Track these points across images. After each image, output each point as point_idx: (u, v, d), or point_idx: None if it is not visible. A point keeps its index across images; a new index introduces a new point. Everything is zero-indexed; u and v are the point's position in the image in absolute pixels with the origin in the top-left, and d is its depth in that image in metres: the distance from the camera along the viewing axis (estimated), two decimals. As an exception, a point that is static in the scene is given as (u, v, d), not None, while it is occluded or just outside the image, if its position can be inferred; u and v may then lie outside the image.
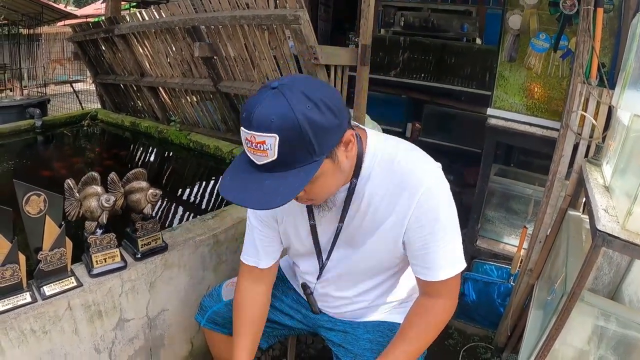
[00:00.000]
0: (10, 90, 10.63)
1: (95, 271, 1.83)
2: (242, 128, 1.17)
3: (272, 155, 1.14)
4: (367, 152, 1.41)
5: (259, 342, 1.75)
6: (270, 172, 1.18)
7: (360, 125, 1.48)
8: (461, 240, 1.46)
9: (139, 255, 1.96)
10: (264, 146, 1.13)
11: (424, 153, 1.46)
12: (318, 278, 1.70)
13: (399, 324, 1.62)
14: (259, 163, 1.17)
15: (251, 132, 1.14)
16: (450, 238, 1.41)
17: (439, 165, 1.44)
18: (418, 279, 1.49)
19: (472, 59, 4.93)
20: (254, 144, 1.14)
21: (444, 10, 5.62)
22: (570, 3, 2.57)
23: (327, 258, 1.63)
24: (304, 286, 1.77)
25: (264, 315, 1.76)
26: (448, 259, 1.42)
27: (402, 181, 1.38)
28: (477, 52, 4.92)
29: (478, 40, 5.43)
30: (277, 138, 1.12)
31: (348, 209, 1.48)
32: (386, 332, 1.68)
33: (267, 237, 1.66)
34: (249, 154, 1.18)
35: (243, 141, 1.18)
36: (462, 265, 1.45)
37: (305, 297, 1.79)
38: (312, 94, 1.15)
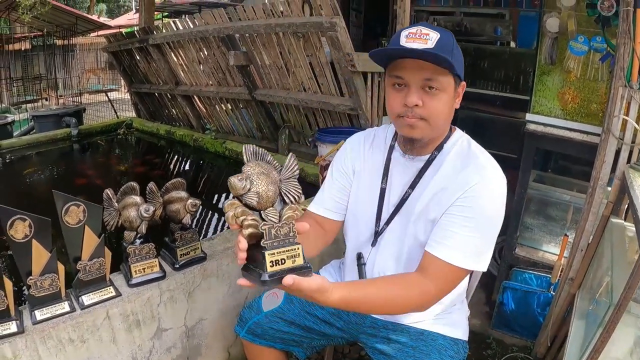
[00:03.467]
0: (46, 100, 10.86)
1: (134, 281, 1.84)
2: (405, 29, 1.40)
3: (431, 44, 1.35)
4: (453, 135, 1.57)
5: None
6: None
7: None
8: (489, 251, 1.45)
9: (177, 266, 1.96)
10: (427, 37, 1.36)
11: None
12: (373, 244, 1.68)
13: (442, 335, 1.63)
14: (415, 47, 1.36)
15: (419, 27, 1.38)
16: (480, 234, 1.41)
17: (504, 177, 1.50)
18: (424, 253, 1.47)
19: (506, 62, 4.81)
20: (417, 34, 1.37)
21: (477, 13, 5.50)
22: (609, 4, 2.48)
23: (387, 223, 1.63)
24: (358, 255, 1.73)
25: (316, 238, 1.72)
26: (461, 247, 1.40)
27: (470, 165, 1.47)
28: (511, 56, 4.81)
29: (512, 44, 5.33)
30: (439, 35, 1.37)
31: (422, 177, 1.55)
32: (429, 341, 1.64)
33: (337, 188, 1.72)
34: (405, 44, 1.37)
35: (401, 38, 1.39)
36: (464, 262, 1.41)
37: (357, 268, 1.73)
38: None
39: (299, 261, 1.16)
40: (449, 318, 1.67)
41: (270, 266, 1.11)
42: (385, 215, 1.64)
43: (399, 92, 1.44)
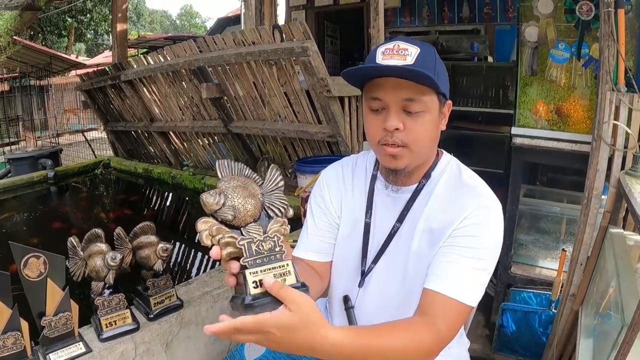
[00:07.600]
0: (25, 142, 10.77)
1: (105, 335, 1.71)
2: (381, 45, 1.32)
3: (410, 60, 1.25)
4: (441, 161, 1.47)
5: None
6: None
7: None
8: (485, 283, 1.33)
9: (152, 315, 1.83)
10: (406, 52, 1.26)
11: None
12: (360, 285, 1.53)
13: None
14: (392, 64, 1.26)
15: (396, 41, 1.29)
16: (482, 265, 1.30)
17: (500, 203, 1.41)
18: (424, 291, 1.32)
19: (485, 77, 4.80)
20: (395, 50, 1.27)
21: (452, 31, 5.51)
22: (587, 8, 2.53)
23: (374, 261, 1.50)
24: (345, 299, 1.58)
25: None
26: (464, 280, 1.28)
27: (464, 193, 1.38)
28: (490, 70, 4.79)
29: (490, 59, 5.32)
30: (419, 50, 1.26)
31: (410, 209, 1.44)
32: None
33: (321, 226, 1.58)
34: (381, 62, 1.27)
35: (377, 55, 1.29)
36: (471, 298, 1.27)
37: (346, 312, 1.58)
38: None
39: (291, 280, 1.00)
40: (449, 355, 1.50)
41: (254, 287, 0.96)
42: (372, 253, 1.51)
43: (377, 116, 1.32)
